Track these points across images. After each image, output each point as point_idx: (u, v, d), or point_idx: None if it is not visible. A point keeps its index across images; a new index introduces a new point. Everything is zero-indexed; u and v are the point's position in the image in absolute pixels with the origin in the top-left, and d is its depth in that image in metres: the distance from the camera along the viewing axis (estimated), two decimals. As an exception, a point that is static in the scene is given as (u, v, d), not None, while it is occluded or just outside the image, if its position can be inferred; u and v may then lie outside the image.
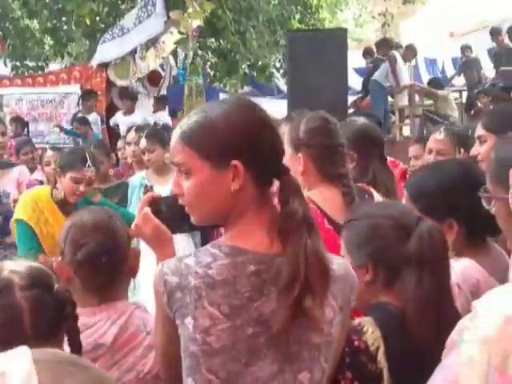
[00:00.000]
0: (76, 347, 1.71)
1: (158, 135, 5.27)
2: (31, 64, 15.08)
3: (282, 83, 15.65)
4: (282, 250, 1.56)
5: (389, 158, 3.88)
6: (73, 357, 1.00)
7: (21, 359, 0.89)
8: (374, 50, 11.77)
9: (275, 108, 8.75)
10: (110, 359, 1.93)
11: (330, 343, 1.62)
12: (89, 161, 3.77)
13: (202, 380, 1.54)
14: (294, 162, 2.53)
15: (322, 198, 2.54)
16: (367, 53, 12.31)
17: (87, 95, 10.63)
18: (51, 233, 3.69)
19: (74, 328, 1.72)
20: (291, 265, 1.54)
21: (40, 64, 15.17)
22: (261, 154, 1.62)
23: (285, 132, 2.63)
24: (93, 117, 10.27)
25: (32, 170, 6.37)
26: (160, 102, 11.31)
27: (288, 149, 2.54)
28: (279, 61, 16.27)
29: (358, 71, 13.55)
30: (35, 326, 1.64)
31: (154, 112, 11.06)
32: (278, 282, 1.54)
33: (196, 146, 1.62)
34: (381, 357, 1.76)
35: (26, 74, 14.20)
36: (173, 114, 11.50)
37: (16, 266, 1.71)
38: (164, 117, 10.76)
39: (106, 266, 1.99)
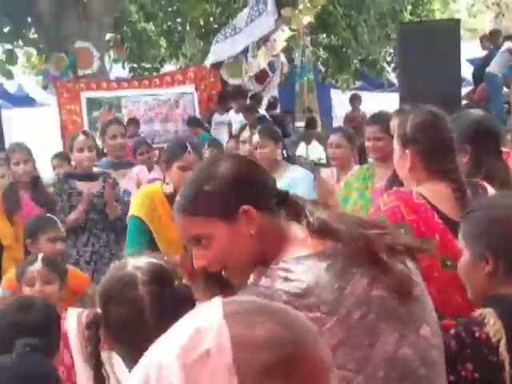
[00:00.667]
0: None
1: (270, 131, 5.35)
2: (147, 66, 15.56)
3: (392, 77, 15.47)
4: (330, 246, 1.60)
5: (504, 149, 3.78)
6: (262, 304, 1.01)
7: (212, 314, 0.94)
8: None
9: (386, 102, 8.68)
10: None
11: (425, 291, 1.63)
12: (189, 147, 3.87)
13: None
14: (401, 158, 2.52)
15: (432, 193, 2.49)
16: (485, 39, 11.92)
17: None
18: (165, 228, 3.83)
19: None
20: (357, 239, 1.57)
21: (156, 66, 15.64)
22: (259, 187, 1.67)
23: (394, 127, 2.63)
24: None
25: (149, 169, 6.60)
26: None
27: (396, 145, 2.55)
28: (390, 54, 16.09)
29: (472, 62, 13.20)
30: (156, 319, 1.69)
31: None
32: (357, 262, 1.56)
33: (199, 211, 1.65)
34: (502, 349, 1.74)
35: (143, 75, 14.66)
36: (286, 112, 11.60)
37: (139, 262, 1.78)
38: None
39: None
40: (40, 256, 3.44)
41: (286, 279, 1.55)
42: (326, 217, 1.65)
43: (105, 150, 6.13)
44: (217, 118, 10.98)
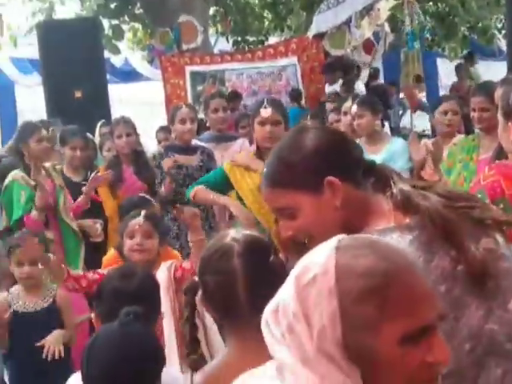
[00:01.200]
0: None
1: (369, 102, 5.27)
2: (252, 39, 15.59)
3: (503, 44, 14.87)
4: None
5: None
6: (373, 240, 1.15)
7: (327, 246, 1.11)
8: None
9: (496, 70, 8.35)
10: None
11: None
12: (265, 102, 3.96)
13: None
14: (505, 130, 2.41)
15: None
16: None
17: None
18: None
19: None
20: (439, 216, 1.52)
21: (260, 38, 15.64)
22: (345, 158, 1.64)
23: (498, 97, 2.52)
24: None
25: (251, 142, 6.63)
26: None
27: (500, 117, 2.43)
28: (500, 21, 15.46)
29: None
30: (249, 292, 1.72)
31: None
32: (439, 237, 1.52)
33: (285, 183, 1.64)
34: None
35: (247, 48, 14.70)
36: (390, 83, 11.36)
37: (238, 234, 1.80)
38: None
39: None
40: (143, 211, 3.55)
41: None
42: (409, 189, 1.61)
43: (207, 124, 6.22)
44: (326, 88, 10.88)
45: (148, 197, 4.56)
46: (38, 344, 3.58)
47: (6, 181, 5.02)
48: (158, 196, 5.10)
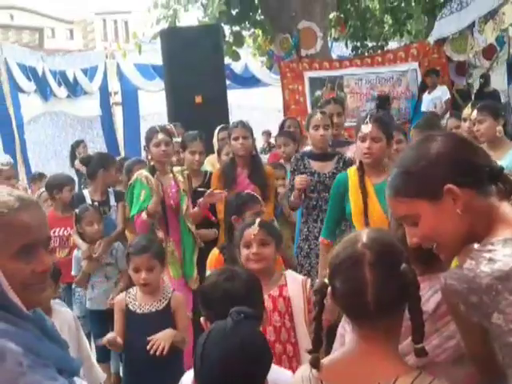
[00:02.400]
0: (420, 331, 1.76)
1: (490, 107, 5.13)
2: (370, 44, 15.45)
3: None
4: None
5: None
6: None
7: None
8: None
9: None
10: (431, 326, 1.96)
11: None
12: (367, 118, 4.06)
13: None
14: None
15: None
16: None
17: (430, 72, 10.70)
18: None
19: (415, 308, 1.77)
20: None
21: (379, 44, 15.48)
22: (468, 166, 1.63)
23: None
24: (441, 91, 10.33)
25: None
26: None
27: None
28: None
29: None
30: (378, 299, 1.72)
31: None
32: None
33: (405, 191, 1.69)
34: None
35: (366, 54, 14.59)
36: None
37: (369, 241, 1.79)
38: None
39: None
40: (258, 220, 3.58)
41: (491, 260, 1.54)
42: None
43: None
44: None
45: (255, 194, 4.61)
46: (149, 338, 3.68)
47: (133, 178, 5.24)
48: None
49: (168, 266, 4.81)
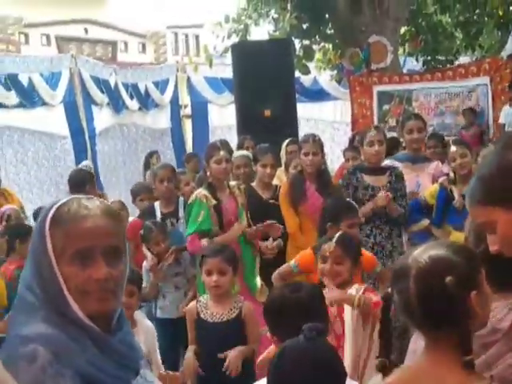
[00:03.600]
0: (466, 344, 1.76)
1: None
2: (441, 58, 15.27)
3: None
4: None
5: None
6: None
7: None
8: None
9: None
10: (505, 345, 1.95)
11: None
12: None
13: None
14: None
15: None
16: None
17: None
18: None
19: (464, 327, 1.76)
20: None
21: (450, 58, 15.29)
22: None
23: None
24: None
25: (442, 162, 6.49)
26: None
27: None
28: None
29: None
30: (422, 313, 1.74)
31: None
32: None
33: (481, 199, 1.73)
34: None
35: (437, 68, 14.43)
36: None
37: (421, 255, 1.80)
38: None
39: None
40: (336, 236, 3.60)
41: None
42: None
43: (403, 144, 6.27)
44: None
45: (353, 203, 4.63)
46: (221, 356, 3.72)
47: (191, 198, 5.27)
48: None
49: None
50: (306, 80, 14.55)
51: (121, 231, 1.79)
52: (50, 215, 1.70)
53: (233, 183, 5.39)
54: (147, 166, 10.71)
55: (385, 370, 1.84)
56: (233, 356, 3.72)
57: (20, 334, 1.59)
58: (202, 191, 5.19)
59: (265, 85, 8.84)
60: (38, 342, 1.57)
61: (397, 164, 5.76)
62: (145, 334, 3.81)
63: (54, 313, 1.65)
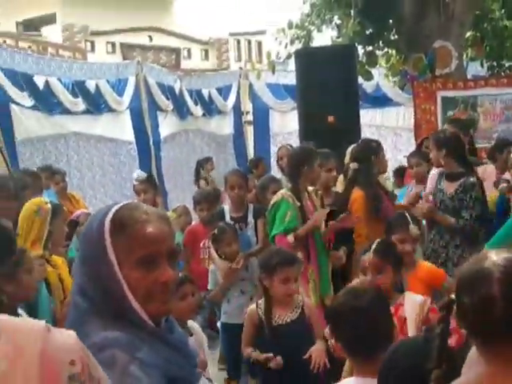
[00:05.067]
0: None
1: None
2: (507, 64, 15.00)
3: None
4: None
5: None
6: None
7: None
8: None
9: None
10: None
11: None
12: None
13: None
14: None
15: None
16: None
17: None
18: None
19: None
20: None
21: (516, 63, 15.01)
22: None
23: None
24: None
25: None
26: None
27: None
28: None
29: None
30: (507, 322, 1.68)
31: None
32: None
33: None
34: None
35: (502, 73, 14.18)
36: None
37: (498, 258, 1.75)
38: None
39: None
40: (374, 245, 3.59)
41: None
42: None
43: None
44: None
45: (407, 217, 4.63)
46: (306, 356, 3.73)
47: (275, 198, 5.35)
48: None
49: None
50: (368, 86, 14.46)
51: (174, 235, 1.85)
52: (109, 220, 1.72)
53: (310, 188, 5.45)
54: (198, 172, 10.83)
55: (441, 381, 1.81)
56: (317, 351, 3.73)
57: (92, 342, 1.57)
58: (287, 192, 5.28)
59: (328, 91, 8.82)
60: (113, 346, 1.59)
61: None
62: (199, 343, 3.84)
63: (112, 317, 1.67)
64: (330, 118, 8.88)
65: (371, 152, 5.77)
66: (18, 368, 1.17)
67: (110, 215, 1.72)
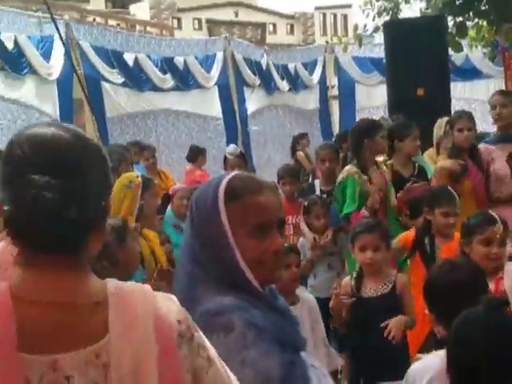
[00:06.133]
0: None
1: None
2: None
3: None
4: None
5: None
6: None
7: None
8: None
9: None
10: None
11: None
12: None
13: None
14: None
15: None
16: None
17: None
18: None
19: None
20: None
21: None
22: None
23: None
24: None
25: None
26: None
27: None
28: None
29: None
30: None
31: None
32: None
33: None
34: None
35: None
36: None
37: None
38: None
39: None
40: (496, 216, 3.54)
41: None
42: None
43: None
44: None
45: (451, 191, 4.59)
46: (382, 325, 3.72)
47: (341, 176, 5.32)
48: None
49: None
50: (457, 58, 14.11)
51: (282, 204, 1.90)
52: (222, 190, 1.76)
53: (380, 159, 5.39)
54: (294, 147, 10.82)
55: None
56: (395, 322, 3.73)
57: (207, 308, 1.65)
58: (352, 168, 5.27)
59: (417, 63, 8.64)
60: (229, 311, 1.64)
61: (490, 148, 5.56)
62: (307, 309, 3.88)
63: (225, 284, 1.71)
64: (420, 91, 8.71)
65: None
66: (134, 329, 1.24)
67: (224, 185, 1.76)
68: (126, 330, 1.24)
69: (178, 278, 1.82)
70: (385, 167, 5.34)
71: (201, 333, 1.37)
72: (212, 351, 1.37)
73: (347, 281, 4.12)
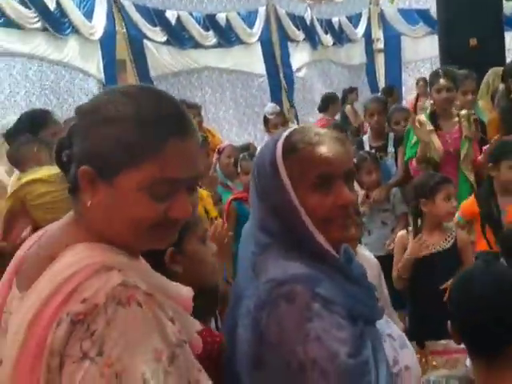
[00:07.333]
0: None
1: None
2: None
3: None
4: None
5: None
6: None
7: None
8: None
9: None
10: None
11: None
12: None
13: None
14: None
15: None
16: None
17: None
18: None
19: None
20: None
21: None
22: None
23: None
24: None
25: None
26: None
27: None
28: None
29: None
30: None
31: None
32: None
33: None
34: None
35: None
36: None
37: None
38: None
39: None
40: None
41: None
42: None
43: None
44: None
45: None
46: (442, 287, 3.60)
47: (411, 120, 5.24)
48: None
49: None
50: (508, 7, 13.65)
51: (352, 156, 1.74)
52: (280, 146, 1.63)
53: (463, 112, 5.21)
54: (344, 100, 10.63)
55: None
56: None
57: (271, 278, 1.53)
58: (421, 116, 5.12)
59: (470, 13, 8.38)
60: (292, 281, 1.51)
61: None
62: (369, 269, 3.75)
63: (293, 249, 1.58)
64: (473, 41, 8.45)
65: None
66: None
67: (281, 141, 1.63)
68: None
69: (245, 247, 1.69)
70: (466, 122, 5.15)
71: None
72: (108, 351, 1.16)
73: (404, 234, 4.00)
